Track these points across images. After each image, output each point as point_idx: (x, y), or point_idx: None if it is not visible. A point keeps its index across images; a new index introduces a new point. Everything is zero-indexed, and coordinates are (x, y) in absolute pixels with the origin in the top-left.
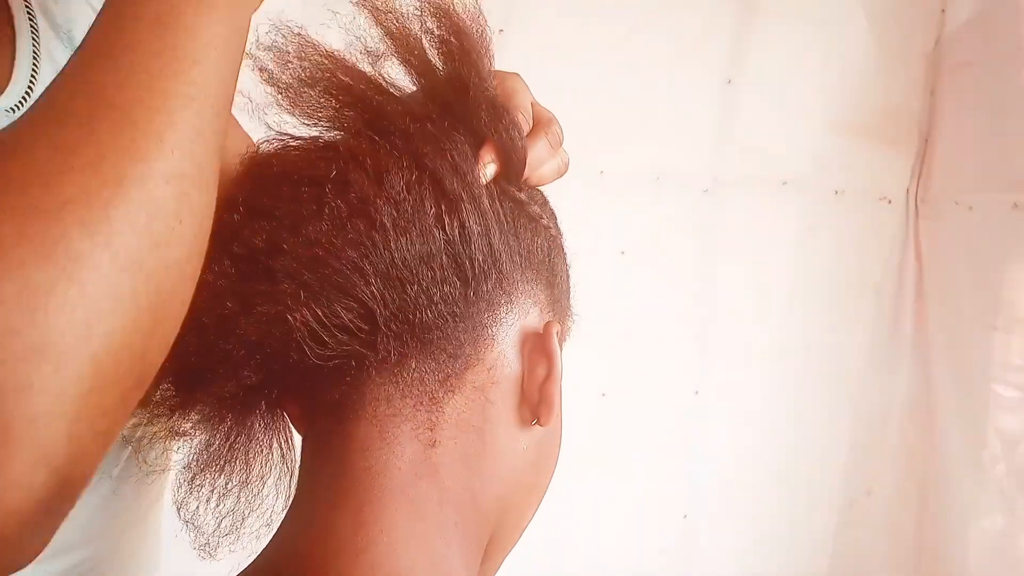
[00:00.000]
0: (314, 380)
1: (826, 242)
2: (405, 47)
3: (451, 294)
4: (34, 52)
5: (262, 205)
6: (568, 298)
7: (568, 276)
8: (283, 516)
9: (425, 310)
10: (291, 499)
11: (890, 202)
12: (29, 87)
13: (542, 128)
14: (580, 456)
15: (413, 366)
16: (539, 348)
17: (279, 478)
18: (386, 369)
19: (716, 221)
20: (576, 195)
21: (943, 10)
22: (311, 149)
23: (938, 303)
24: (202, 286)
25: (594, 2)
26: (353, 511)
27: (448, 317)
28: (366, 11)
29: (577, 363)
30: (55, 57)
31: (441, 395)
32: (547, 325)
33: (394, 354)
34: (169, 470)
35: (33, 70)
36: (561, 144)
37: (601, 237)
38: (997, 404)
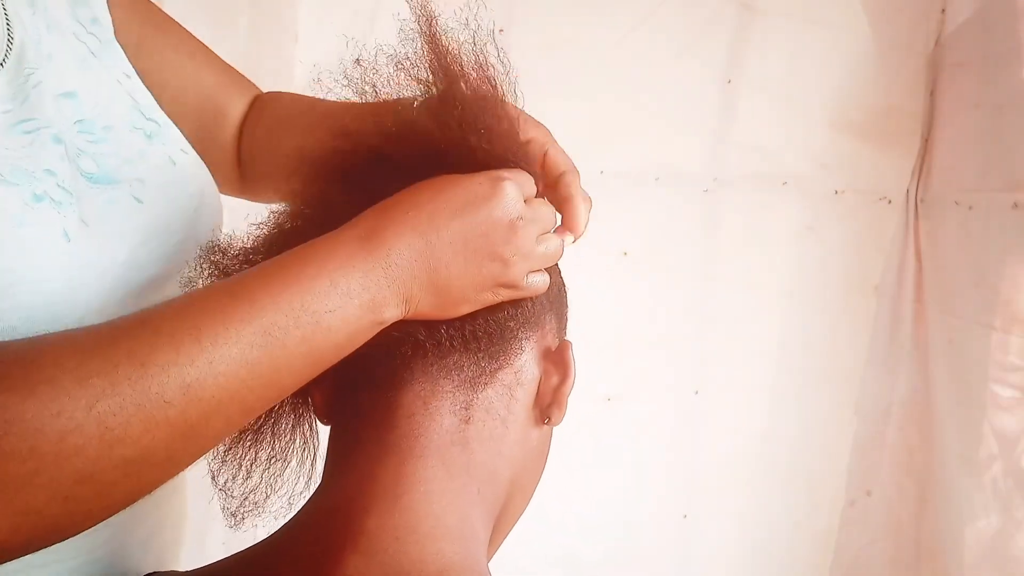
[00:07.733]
0: (371, 355)
1: (826, 242)
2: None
3: (505, 317)
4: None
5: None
6: (566, 324)
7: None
8: (321, 479)
9: (482, 322)
10: (324, 465)
11: (890, 202)
12: (8, 43)
13: (584, 199)
14: (580, 455)
15: (456, 358)
16: (556, 360)
17: (300, 462)
18: (436, 354)
19: (716, 221)
20: None
21: (943, 10)
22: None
23: (938, 303)
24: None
25: (594, 2)
26: (395, 465)
27: (496, 332)
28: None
29: (580, 365)
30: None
31: (477, 385)
32: (564, 342)
33: (446, 346)
34: None
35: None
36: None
37: (604, 239)
38: (994, 404)
